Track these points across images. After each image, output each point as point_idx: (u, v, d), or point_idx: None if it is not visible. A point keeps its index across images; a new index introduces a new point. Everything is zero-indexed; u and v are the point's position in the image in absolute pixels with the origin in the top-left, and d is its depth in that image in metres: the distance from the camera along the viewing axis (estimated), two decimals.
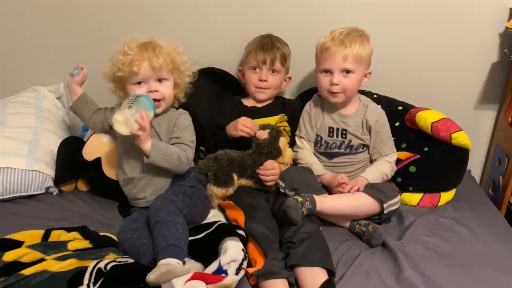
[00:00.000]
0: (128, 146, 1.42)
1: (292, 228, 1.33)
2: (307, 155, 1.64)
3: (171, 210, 1.27)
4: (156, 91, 1.41)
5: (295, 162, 1.66)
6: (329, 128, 1.62)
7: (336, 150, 1.62)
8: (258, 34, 1.75)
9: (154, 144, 1.36)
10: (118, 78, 1.42)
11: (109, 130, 1.51)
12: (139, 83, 1.41)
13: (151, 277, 1.09)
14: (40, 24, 1.87)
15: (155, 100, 1.40)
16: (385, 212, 1.43)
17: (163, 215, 1.25)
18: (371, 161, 1.64)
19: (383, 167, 1.58)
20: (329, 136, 1.63)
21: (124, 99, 1.42)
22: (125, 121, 1.30)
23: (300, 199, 1.33)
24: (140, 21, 1.83)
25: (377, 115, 1.61)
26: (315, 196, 1.37)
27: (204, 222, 1.45)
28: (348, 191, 1.47)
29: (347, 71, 1.52)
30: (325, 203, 1.39)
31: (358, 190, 1.47)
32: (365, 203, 1.44)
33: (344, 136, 1.60)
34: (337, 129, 1.61)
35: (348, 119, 1.61)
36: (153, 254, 1.19)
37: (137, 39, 1.42)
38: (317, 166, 1.61)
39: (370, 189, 1.46)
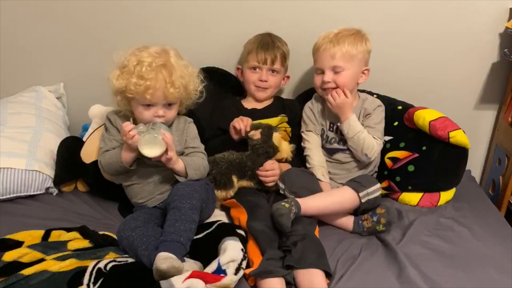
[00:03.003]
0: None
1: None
2: (314, 154, 1.64)
3: (194, 204, 1.28)
4: (163, 116, 1.40)
5: (297, 157, 1.66)
6: (330, 123, 1.64)
7: (335, 145, 1.63)
8: (257, 33, 1.75)
9: (186, 163, 1.38)
10: (126, 96, 1.39)
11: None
12: (148, 105, 1.39)
13: (163, 266, 1.09)
14: (40, 24, 1.87)
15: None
16: (363, 201, 1.43)
17: (186, 205, 1.26)
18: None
19: (369, 135, 1.55)
20: (329, 130, 1.64)
21: (126, 108, 1.43)
22: (150, 140, 1.30)
23: (287, 205, 1.33)
24: (140, 21, 1.83)
25: (375, 105, 1.63)
26: (298, 199, 1.38)
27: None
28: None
29: (337, 69, 1.54)
30: (308, 204, 1.39)
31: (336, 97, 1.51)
32: (347, 197, 1.44)
33: (342, 133, 1.60)
34: (337, 125, 1.61)
35: None
36: (154, 249, 1.19)
37: (150, 54, 1.36)
38: (317, 171, 1.60)
39: (348, 181, 1.49)
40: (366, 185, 1.45)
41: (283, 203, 1.34)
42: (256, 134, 1.55)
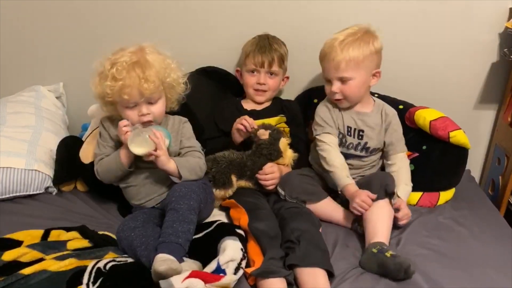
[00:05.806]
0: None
1: (289, 226, 1.33)
2: (335, 156, 1.51)
3: (192, 205, 1.27)
4: (148, 113, 1.38)
5: (296, 164, 1.64)
6: (347, 127, 1.58)
7: (352, 151, 1.58)
8: (256, 34, 1.75)
9: (179, 163, 1.37)
10: (108, 100, 1.39)
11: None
12: (131, 106, 1.38)
13: (161, 268, 1.09)
14: (40, 24, 1.87)
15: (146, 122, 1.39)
16: (393, 202, 1.43)
17: (183, 206, 1.26)
18: (382, 158, 1.63)
19: (408, 177, 1.55)
20: (347, 135, 1.58)
21: (115, 113, 1.43)
22: (139, 137, 1.30)
23: (375, 250, 1.28)
24: (139, 21, 1.84)
25: (392, 113, 1.61)
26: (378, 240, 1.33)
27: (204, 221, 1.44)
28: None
29: (344, 79, 1.49)
30: (385, 234, 1.36)
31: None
32: (390, 210, 1.42)
33: (360, 137, 1.57)
34: (355, 129, 1.57)
35: (366, 117, 1.57)
36: (153, 249, 1.19)
37: (124, 54, 1.35)
38: (341, 173, 1.48)
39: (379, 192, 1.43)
40: (389, 190, 1.42)
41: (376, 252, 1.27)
42: (265, 134, 1.54)
